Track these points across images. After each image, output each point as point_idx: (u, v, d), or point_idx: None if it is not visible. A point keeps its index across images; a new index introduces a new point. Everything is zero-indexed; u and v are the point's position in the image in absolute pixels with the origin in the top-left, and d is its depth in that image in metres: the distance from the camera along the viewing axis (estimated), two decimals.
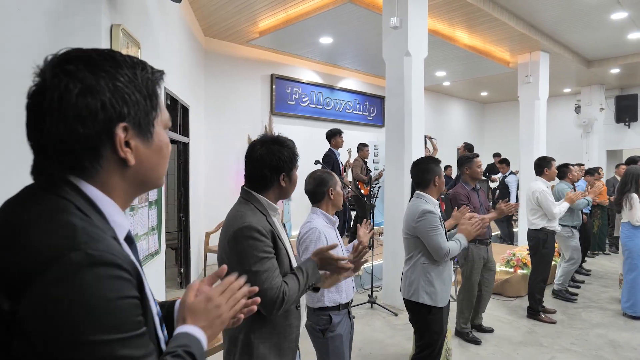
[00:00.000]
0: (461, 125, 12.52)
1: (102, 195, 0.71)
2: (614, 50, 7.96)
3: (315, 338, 2.14)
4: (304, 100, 8.03)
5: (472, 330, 3.83)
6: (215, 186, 6.50)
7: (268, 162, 1.50)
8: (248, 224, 1.42)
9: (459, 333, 3.81)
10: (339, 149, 5.53)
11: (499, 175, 8.75)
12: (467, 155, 3.78)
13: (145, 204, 3.16)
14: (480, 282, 3.90)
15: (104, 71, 0.69)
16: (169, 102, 4.23)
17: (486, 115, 13.40)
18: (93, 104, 0.66)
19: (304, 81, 8.02)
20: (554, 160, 4.33)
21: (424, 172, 2.57)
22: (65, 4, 2.30)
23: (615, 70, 9.07)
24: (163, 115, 0.80)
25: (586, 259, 6.57)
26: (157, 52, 3.67)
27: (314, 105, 8.23)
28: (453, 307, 4.18)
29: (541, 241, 4.19)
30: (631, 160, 5.65)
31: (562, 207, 4.17)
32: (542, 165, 4.31)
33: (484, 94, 12.00)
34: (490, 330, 3.98)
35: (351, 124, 8.95)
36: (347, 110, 8.93)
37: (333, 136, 5.45)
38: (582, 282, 5.63)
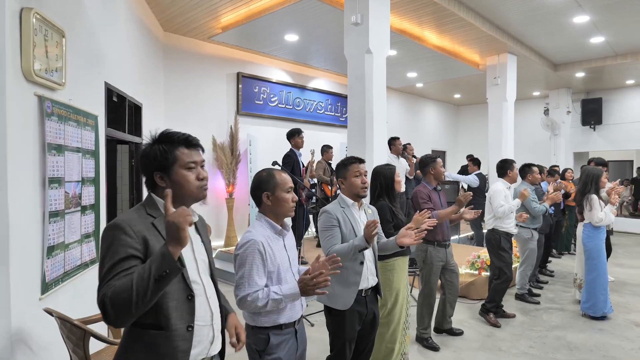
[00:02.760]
0: (436, 127, 12.58)
1: None
2: (578, 54, 8.08)
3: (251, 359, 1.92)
4: (272, 100, 7.86)
5: (431, 337, 3.72)
6: None
7: (139, 163, 1.46)
8: (113, 222, 1.30)
9: (419, 339, 3.70)
10: (300, 149, 5.40)
11: None
12: (429, 156, 3.81)
13: (77, 209, 2.92)
14: (444, 285, 3.83)
15: None
16: (115, 99, 4.00)
17: (460, 117, 13.50)
18: None
19: (273, 80, 7.85)
20: (514, 162, 4.33)
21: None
22: None
23: (580, 74, 9.24)
24: None
25: (550, 259, 6.61)
26: (95, 43, 3.44)
27: (284, 106, 8.07)
28: (413, 311, 4.09)
29: (494, 241, 4.15)
30: (591, 162, 5.72)
31: (508, 206, 4.10)
32: (504, 168, 4.32)
33: (457, 96, 12.08)
34: (461, 333, 3.92)
35: (322, 124, 8.84)
36: (318, 111, 8.80)
37: (292, 136, 5.33)
38: (546, 282, 5.64)
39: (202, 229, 1.56)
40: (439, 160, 3.72)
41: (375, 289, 2.55)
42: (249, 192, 7.02)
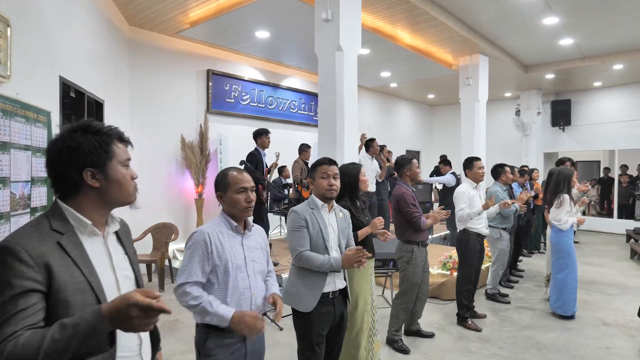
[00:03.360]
0: (410, 127, 12.63)
1: None
2: (548, 55, 8.24)
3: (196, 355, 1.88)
4: (244, 98, 7.69)
5: (402, 339, 3.66)
6: (143, 191, 5.99)
7: (63, 156, 1.11)
8: (2, 245, 1.01)
9: (390, 341, 3.63)
10: (266, 149, 5.28)
11: None
12: (405, 157, 3.71)
13: (25, 211, 2.72)
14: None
15: None
16: (73, 95, 3.78)
17: (434, 118, 13.62)
18: None
19: (245, 78, 7.68)
20: (477, 160, 4.20)
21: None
22: None
23: (550, 76, 9.43)
24: None
25: (521, 258, 6.69)
26: (48, 35, 3.23)
27: (256, 104, 7.91)
28: (386, 313, 4.02)
29: (462, 242, 4.10)
30: (561, 162, 5.78)
31: (468, 211, 3.96)
32: (464, 167, 4.24)
33: (430, 96, 12.16)
34: (431, 335, 3.85)
35: (296, 124, 8.72)
36: (291, 110, 8.68)
37: (259, 135, 5.22)
38: (516, 282, 5.68)
39: (125, 237, 1.30)
40: (415, 161, 3.66)
41: (344, 292, 2.46)
42: None
